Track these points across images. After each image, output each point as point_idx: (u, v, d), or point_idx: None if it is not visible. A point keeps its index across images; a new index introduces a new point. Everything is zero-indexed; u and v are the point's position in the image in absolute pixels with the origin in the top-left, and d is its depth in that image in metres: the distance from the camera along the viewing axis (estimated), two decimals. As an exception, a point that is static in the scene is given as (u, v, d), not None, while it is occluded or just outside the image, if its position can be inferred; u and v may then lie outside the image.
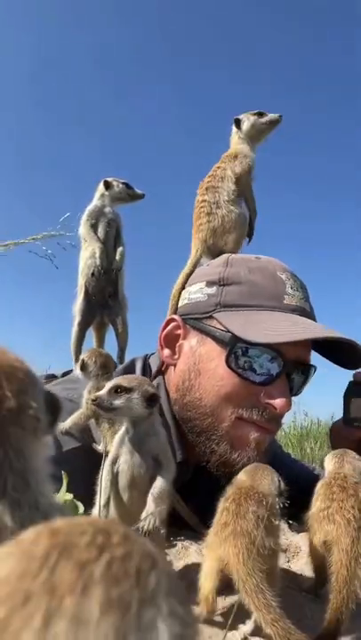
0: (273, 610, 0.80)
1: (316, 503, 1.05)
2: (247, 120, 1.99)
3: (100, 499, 1.13)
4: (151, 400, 1.13)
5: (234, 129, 2.02)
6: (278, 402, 1.36)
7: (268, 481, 1.04)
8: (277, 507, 1.01)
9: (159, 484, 1.10)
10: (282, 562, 1.23)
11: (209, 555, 0.94)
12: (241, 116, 2.01)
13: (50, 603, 0.26)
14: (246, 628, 0.88)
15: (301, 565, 1.24)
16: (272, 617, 0.79)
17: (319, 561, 1.02)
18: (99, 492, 1.14)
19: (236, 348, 1.38)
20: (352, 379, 1.50)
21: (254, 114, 2.00)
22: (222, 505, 0.97)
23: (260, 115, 1.99)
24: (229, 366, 1.39)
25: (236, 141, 2.00)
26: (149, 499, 1.07)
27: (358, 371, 1.50)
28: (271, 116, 1.99)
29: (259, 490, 1.00)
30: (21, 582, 0.27)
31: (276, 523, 0.97)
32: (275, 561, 0.92)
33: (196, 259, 1.75)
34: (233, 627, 0.88)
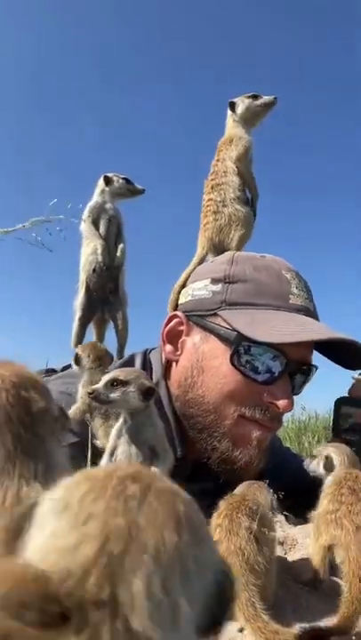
0: (261, 620, 0.83)
1: (324, 503, 1.05)
2: (242, 103, 1.99)
3: None
4: (147, 393, 1.14)
5: (229, 112, 2.02)
6: (281, 401, 1.37)
7: (261, 495, 1.06)
8: (271, 519, 1.02)
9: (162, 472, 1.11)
10: (279, 554, 1.25)
11: None
12: (236, 100, 2.01)
13: (156, 535, 0.32)
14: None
15: (298, 557, 1.25)
16: (259, 625, 0.82)
17: (321, 560, 1.03)
18: None
19: (240, 346, 1.38)
20: (347, 395, 1.50)
21: (249, 96, 2.00)
22: (215, 521, 0.97)
23: (255, 97, 1.99)
24: (233, 364, 1.39)
25: (231, 125, 2.01)
26: None
27: (355, 385, 1.50)
28: (266, 98, 1.99)
29: (250, 500, 1.01)
30: (129, 517, 0.32)
31: (271, 534, 0.98)
32: (269, 574, 0.93)
33: (202, 256, 1.76)
34: (231, 617, 0.90)
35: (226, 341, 1.42)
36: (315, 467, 1.26)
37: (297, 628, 0.86)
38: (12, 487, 0.50)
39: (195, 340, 1.52)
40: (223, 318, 1.45)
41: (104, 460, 1.19)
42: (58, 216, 1.97)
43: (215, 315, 1.47)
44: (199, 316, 1.52)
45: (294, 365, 1.41)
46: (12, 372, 0.56)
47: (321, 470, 1.22)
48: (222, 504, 1.01)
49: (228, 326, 1.42)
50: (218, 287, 1.50)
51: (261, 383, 1.39)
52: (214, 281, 1.51)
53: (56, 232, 2.21)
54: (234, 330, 1.40)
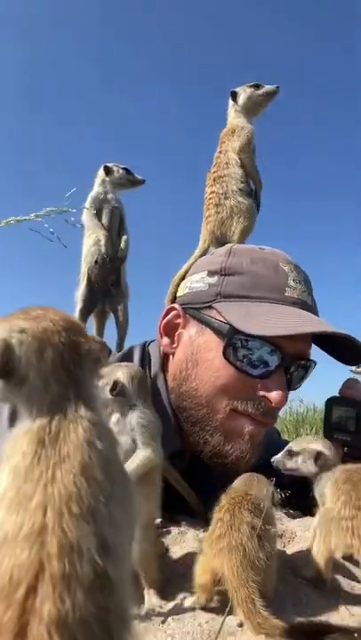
0: (260, 616, 0.83)
1: (337, 505, 1.00)
2: (244, 92, 1.97)
3: None
4: (113, 388, 1.12)
5: (230, 102, 2.00)
6: (274, 396, 1.35)
7: (263, 489, 1.05)
8: (273, 515, 1.01)
9: (131, 464, 1.07)
10: (278, 547, 1.26)
11: (203, 562, 0.95)
12: (237, 89, 1.99)
13: None
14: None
15: (297, 550, 1.25)
16: (258, 621, 0.82)
17: (326, 563, 1.01)
18: None
19: (233, 339, 1.37)
20: (338, 395, 1.48)
21: (251, 86, 1.98)
22: (216, 515, 0.97)
23: (257, 87, 1.98)
24: (226, 358, 1.38)
25: (233, 115, 1.99)
26: None
27: (346, 385, 1.47)
28: (268, 87, 1.97)
29: (253, 495, 1.00)
30: None
31: (273, 530, 0.97)
32: (270, 570, 0.92)
33: (203, 250, 1.74)
34: (231, 612, 0.91)
35: (220, 334, 1.41)
36: (297, 464, 1.19)
37: (296, 622, 0.86)
38: (71, 408, 0.57)
39: (191, 333, 1.51)
40: (218, 311, 1.43)
41: None
42: (71, 209, 1.93)
43: (210, 307, 1.46)
44: (195, 309, 1.51)
45: (290, 359, 1.39)
46: (60, 317, 0.62)
47: (311, 468, 1.16)
48: (224, 498, 1.00)
49: (222, 319, 1.41)
50: (214, 279, 1.48)
51: (255, 377, 1.37)
52: (211, 273, 1.50)
53: (72, 222, 2.16)
54: (227, 323, 1.38)
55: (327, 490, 1.08)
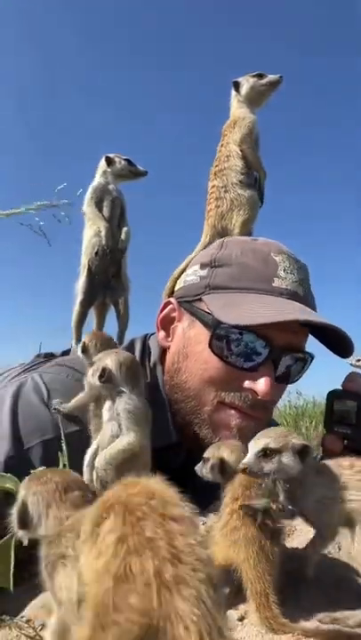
0: (271, 611, 0.85)
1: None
2: (246, 82, 1.96)
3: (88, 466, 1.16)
4: (101, 375, 1.15)
5: (233, 93, 1.98)
6: (260, 388, 1.34)
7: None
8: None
9: (112, 449, 1.10)
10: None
11: (214, 552, 0.94)
12: (240, 79, 1.97)
13: None
14: (245, 607, 0.91)
15: (296, 545, 1.25)
16: (267, 614, 0.84)
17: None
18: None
19: (220, 331, 1.36)
20: (340, 388, 1.46)
21: (254, 75, 1.97)
22: (230, 506, 0.96)
23: (260, 76, 1.96)
24: (213, 350, 1.38)
25: (236, 105, 1.97)
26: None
27: (349, 378, 1.45)
28: (271, 77, 1.95)
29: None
30: None
31: (281, 526, 0.98)
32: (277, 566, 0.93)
33: (205, 244, 1.74)
34: (232, 605, 0.91)
35: (208, 326, 1.41)
36: (280, 464, 0.97)
37: (315, 622, 0.86)
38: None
39: (184, 326, 1.52)
40: (205, 303, 1.44)
41: (93, 441, 1.20)
42: (64, 200, 1.90)
43: (200, 300, 1.47)
44: (188, 302, 1.52)
45: (278, 351, 1.37)
46: (62, 478, 0.84)
47: (298, 466, 0.97)
48: (238, 489, 0.99)
49: (208, 311, 1.41)
50: (205, 272, 1.49)
51: (242, 369, 1.37)
52: (203, 266, 1.51)
53: (61, 217, 2.15)
54: (211, 314, 1.38)
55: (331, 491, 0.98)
